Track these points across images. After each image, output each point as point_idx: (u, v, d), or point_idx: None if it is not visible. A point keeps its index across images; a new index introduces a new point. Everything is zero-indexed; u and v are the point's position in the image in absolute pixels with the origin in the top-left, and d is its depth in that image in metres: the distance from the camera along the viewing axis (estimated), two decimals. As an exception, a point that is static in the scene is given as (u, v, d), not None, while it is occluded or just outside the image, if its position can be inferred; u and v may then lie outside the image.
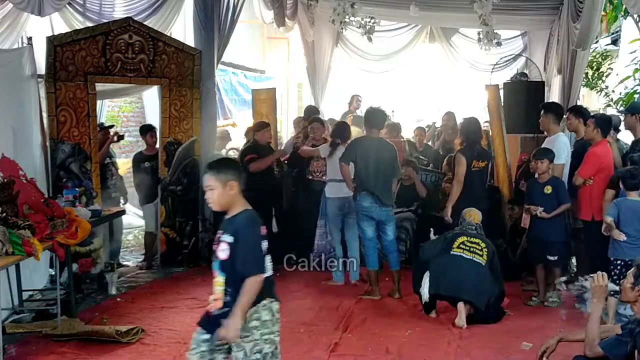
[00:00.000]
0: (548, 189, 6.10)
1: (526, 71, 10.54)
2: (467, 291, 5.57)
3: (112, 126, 8.19)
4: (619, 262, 5.35)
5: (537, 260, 6.24)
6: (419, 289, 5.89)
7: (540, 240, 6.16)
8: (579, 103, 8.97)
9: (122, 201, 7.90)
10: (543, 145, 6.61)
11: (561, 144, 6.41)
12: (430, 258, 5.88)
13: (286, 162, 8.37)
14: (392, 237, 6.52)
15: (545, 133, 6.85)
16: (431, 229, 6.31)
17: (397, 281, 6.50)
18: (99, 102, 8.94)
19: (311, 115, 8.50)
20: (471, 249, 5.75)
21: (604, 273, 3.74)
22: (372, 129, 6.56)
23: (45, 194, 6.01)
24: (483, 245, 5.79)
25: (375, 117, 6.56)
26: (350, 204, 6.72)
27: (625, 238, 5.30)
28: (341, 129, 7.05)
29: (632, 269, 3.57)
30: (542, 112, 6.69)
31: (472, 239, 5.82)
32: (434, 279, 5.72)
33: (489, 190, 7.26)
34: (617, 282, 5.11)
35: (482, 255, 5.73)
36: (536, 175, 6.28)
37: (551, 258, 6.08)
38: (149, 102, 10.41)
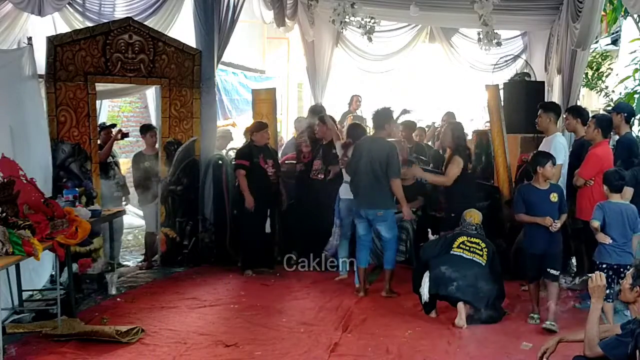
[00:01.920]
0: (554, 197, 5.63)
1: (527, 70, 10.55)
2: (467, 291, 5.57)
3: (113, 125, 8.19)
4: (604, 265, 5.28)
5: (533, 275, 5.69)
6: (419, 289, 5.91)
7: (542, 254, 5.59)
8: (578, 103, 8.98)
9: (124, 201, 7.90)
10: (541, 147, 6.58)
11: (558, 144, 6.36)
12: (430, 258, 5.89)
13: (287, 162, 8.37)
14: (387, 237, 6.51)
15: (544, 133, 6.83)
16: (429, 230, 6.30)
17: (388, 280, 6.54)
18: (99, 102, 8.96)
19: (316, 114, 8.51)
20: (471, 249, 5.75)
21: (602, 273, 3.74)
22: (376, 129, 6.68)
23: (50, 194, 6.04)
24: (483, 245, 5.79)
25: (376, 117, 6.65)
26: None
27: (610, 241, 5.26)
28: (353, 130, 7.10)
29: (631, 269, 3.57)
30: (540, 111, 6.63)
31: (472, 239, 5.82)
32: (434, 279, 5.73)
33: (489, 190, 7.26)
34: (606, 286, 5.16)
35: (482, 256, 5.73)
36: (532, 182, 5.79)
37: (555, 272, 5.60)
38: (152, 101, 10.43)
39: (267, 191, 7.39)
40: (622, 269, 5.13)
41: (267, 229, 7.40)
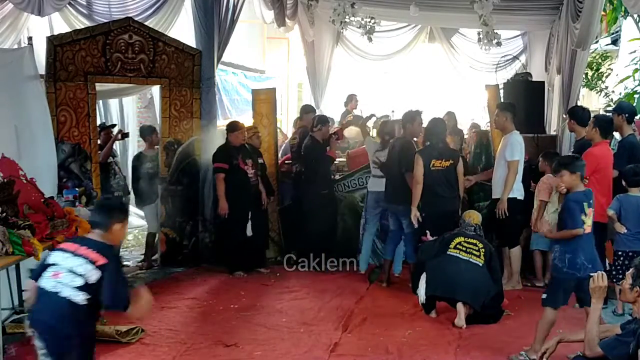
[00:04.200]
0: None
1: (527, 70, 10.56)
2: (463, 292, 5.59)
3: (113, 125, 8.17)
4: (620, 252, 5.67)
5: (562, 301, 4.74)
6: (417, 290, 5.92)
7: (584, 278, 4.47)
8: (579, 103, 8.98)
9: (124, 200, 7.88)
10: (500, 145, 6.82)
11: (515, 141, 6.60)
12: (428, 259, 5.90)
13: (287, 162, 8.36)
14: (407, 231, 6.78)
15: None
16: (427, 231, 6.30)
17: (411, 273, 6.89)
18: (114, 102, 8.89)
19: (308, 114, 8.54)
20: (468, 250, 5.76)
21: (603, 273, 3.74)
22: (403, 129, 7.04)
23: (54, 193, 6.03)
24: (480, 245, 5.79)
25: (402, 118, 7.06)
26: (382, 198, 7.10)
27: (625, 230, 5.61)
28: (388, 128, 7.40)
29: (631, 269, 3.57)
30: (497, 111, 6.90)
31: (469, 239, 5.83)
32: (431, 280, 5.75)
33: (489, 190, 7.25)
34: (620, 271, 5.47)
35: (479, 256, 5.73)
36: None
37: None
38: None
39: (248, 193, 7.29)
40: (636, 256, 5.27)
41: (249, 232, 7.27)
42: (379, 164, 7.12)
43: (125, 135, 7.81)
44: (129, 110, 10.57)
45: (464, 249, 5.77)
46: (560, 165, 4.74)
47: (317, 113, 10.37)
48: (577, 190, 4.67)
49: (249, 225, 7.29)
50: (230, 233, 7.24)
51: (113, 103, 10.02)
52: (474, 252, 5.75)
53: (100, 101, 8.77)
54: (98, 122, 7.74)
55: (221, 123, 9.98)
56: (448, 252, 5.78)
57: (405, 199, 6.59)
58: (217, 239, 7.63)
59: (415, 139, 7.07)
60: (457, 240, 5.84)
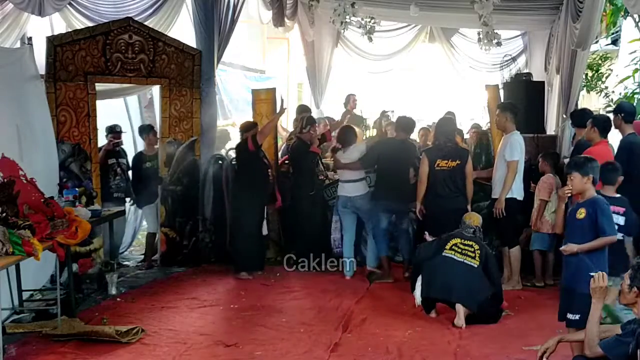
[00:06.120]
0: (581, 213, 4.31)
1: (524, 71, 10.57)
2: (457, 293, 5.60)
3: (120, 133, 8.02)
4: None
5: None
6: (413, 291, 5.94)
7: (565, 288, 4.43)
8: (578, 103, 8.99)
9: (128, 201, 7.87)
10: (500, 145, 6.81)
11: (515, 142, 6.62)
12: (424, 260, 5.91)
13: (287, 162, 8.37)
14: (406, 228, 6.98)
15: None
16: (426, 232, 6.30)
17: (407, 267, 7.00)
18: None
19: (302, 114, 8.56)
20: (463, 251, 5.76)
21: (604, 273, 3.73)
22: (397, 131, 7.26)
23: (54, 193, 6.03)
24: (476, 247, 5.78)
25: (402, 122, 7.30)
26: (352, 203, 7.10)
27: None
28: (343, 135, 7.43)
29: (629, 270, 3.55)
30: (497, 111, 6.94)
31: (465, 241, 5.82)
32: (426, 281, 5.77)
33: (489, 190, 7.25)
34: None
35: (474, 257, 5.72)
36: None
37: (572, 317, 4.23)
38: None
39: (267, 191, 7.43)
40: None
41: (265, 231, 7.41)
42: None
43: (116, 144, 7.74)
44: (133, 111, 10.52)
45: (459, 250, 5.78)
46: (572, 167, 4.29)
47: (323, 114, 10.43)
48: (596, 195, 4.34)
49: (264, 223, 7.39)
50: (245, 229, 7.23)
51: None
52: (469, 253, 5.75)
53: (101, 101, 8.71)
54: (109, 124, 7.74)
55: (221, 123, 9.99)
56: (443, 254, 5.79)
57: (407, 197, 6.66)
58: (232, 235, 7.53)
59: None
60: (454, 241, 5.85)
